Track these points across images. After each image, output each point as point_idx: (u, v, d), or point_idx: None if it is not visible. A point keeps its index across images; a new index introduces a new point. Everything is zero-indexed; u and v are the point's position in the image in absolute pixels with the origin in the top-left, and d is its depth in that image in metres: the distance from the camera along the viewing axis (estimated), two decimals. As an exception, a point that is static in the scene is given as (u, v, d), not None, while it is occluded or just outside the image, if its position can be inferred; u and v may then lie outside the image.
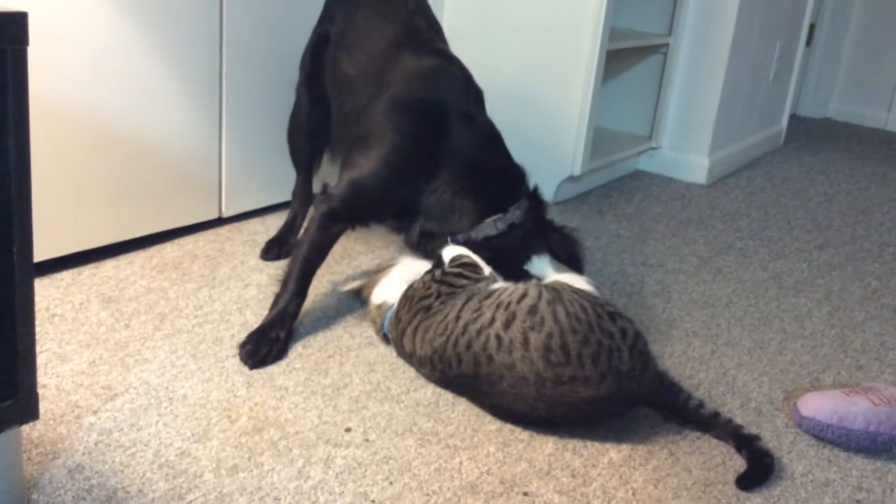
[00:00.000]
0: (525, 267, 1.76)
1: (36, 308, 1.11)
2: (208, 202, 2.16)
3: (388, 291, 1.69)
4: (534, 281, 1.60)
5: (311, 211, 1.78)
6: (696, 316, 2.01)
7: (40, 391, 1.17)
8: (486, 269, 1.63)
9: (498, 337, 1.44)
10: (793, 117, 4.69)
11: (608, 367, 1.40)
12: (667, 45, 3.07)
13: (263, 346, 1.61)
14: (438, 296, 1.57)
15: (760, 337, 1.93)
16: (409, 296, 1.61)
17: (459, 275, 1.60)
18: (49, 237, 1.80)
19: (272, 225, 2.25)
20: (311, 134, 2.06)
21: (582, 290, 1.52)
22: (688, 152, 3.22)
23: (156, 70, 1.93)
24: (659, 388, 1.48)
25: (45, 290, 1.75)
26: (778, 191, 3.21)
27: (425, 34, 1.87)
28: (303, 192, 2.13)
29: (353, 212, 1.73)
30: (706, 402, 1.52)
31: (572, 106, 2.63)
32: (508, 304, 1.47)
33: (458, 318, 1.50)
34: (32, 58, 1.03)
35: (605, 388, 1.40)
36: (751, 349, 1.87)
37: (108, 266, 1.90)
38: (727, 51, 3.08)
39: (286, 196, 2.27)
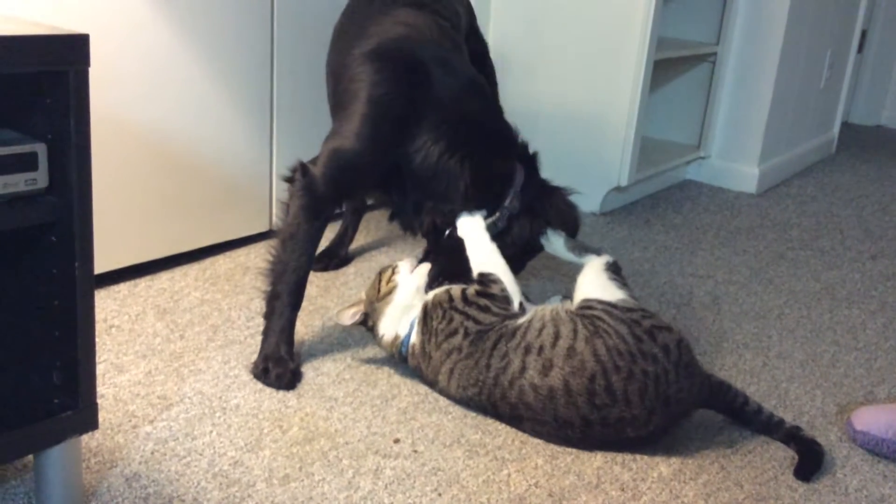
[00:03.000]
0: (541, 240, 1.66)
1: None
2: (259, 215, 2.19)
3: (398, 322, 1.58)
4: (560, 306, 1.50)
5: (288, 196, 1.60)
6: (747, 328, 1.99)
7: (98, 401, 1.21)
8: (517, 301, 1.53)
9: (534, 386, 1.40)
10: (844, 125, 4.61)
11: (656, 397, 1.38)
12: (715, 53, 3.04)
13: (279, 367, 1.56)
14: (466, 334, 1.48)
15: (813, 349, 1.91)
16: (432, 328, 1.52)
17: (486, 309, 1.50)
18: (106, 250, 1.84)
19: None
20: None
21: (615, 307, 1.44)
22: (737, 161, 3.19)
23: (209, 88, 1.97)
24: (707, 393, 1.47)
25: (103, 302, 1.80)
26: (830, 200, 3.16)
27: None
28: (353, 203, 2.14)
29: (339, 188, 1.59)
30: (763, 407, 1.51)
31: (619, 116, 2.62)
32: (541, 348, 1.41)
33: (488, 366, 1.45)
34: (92, 77, 1.07)
35: (653, 424, 1.40)
36: (803, 362, 1.84)
37: (163, 278, 1.95)
38: (777, 58, 3.04)
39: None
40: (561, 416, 1.40)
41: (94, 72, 1.07)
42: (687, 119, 3.18)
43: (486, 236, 1.58)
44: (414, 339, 1.56)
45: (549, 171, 1.75)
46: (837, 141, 4.01)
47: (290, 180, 1.62)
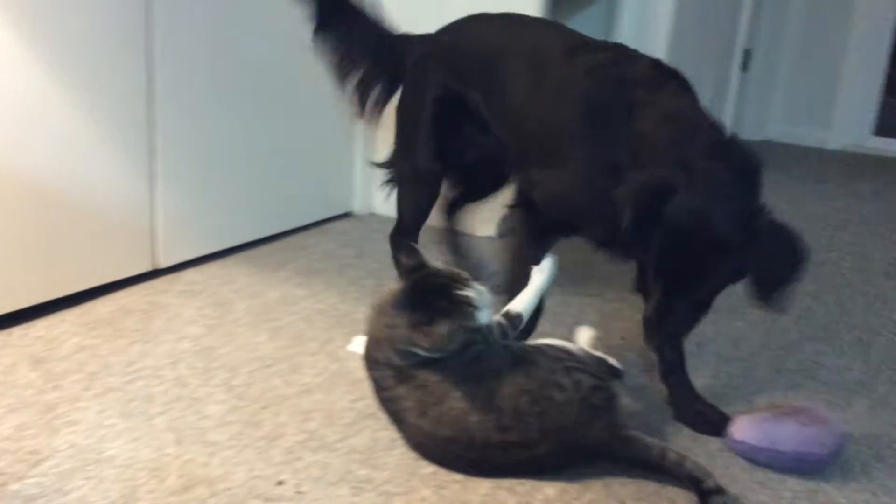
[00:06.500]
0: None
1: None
2: (141, 254, 2.14)
3: None
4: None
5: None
6: (634, 344, 2.02)
7: (-39, 461, 1.15)
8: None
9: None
10: (734, 139, 4.77)
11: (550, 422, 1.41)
12: (600, 76, 3.11)
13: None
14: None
15: (696, 361, 1.95)
16: None
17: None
18: (-25, 300, 1.77)
19: (210, 275, 2.23)
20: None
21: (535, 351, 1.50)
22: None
23: (83, 127, 1.92)
24: (610, 439, 1.45)
25: (-28, 355, 1.73)
26: (718, 214, 3.25)
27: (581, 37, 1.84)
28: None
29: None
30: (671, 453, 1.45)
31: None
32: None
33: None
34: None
35: (543, 448, 1.42)
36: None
37: (40, 326, 1.88)
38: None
39: (225, 244, 2.29)
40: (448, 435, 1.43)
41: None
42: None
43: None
44: None
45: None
46: (725, 156, 4.14)
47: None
